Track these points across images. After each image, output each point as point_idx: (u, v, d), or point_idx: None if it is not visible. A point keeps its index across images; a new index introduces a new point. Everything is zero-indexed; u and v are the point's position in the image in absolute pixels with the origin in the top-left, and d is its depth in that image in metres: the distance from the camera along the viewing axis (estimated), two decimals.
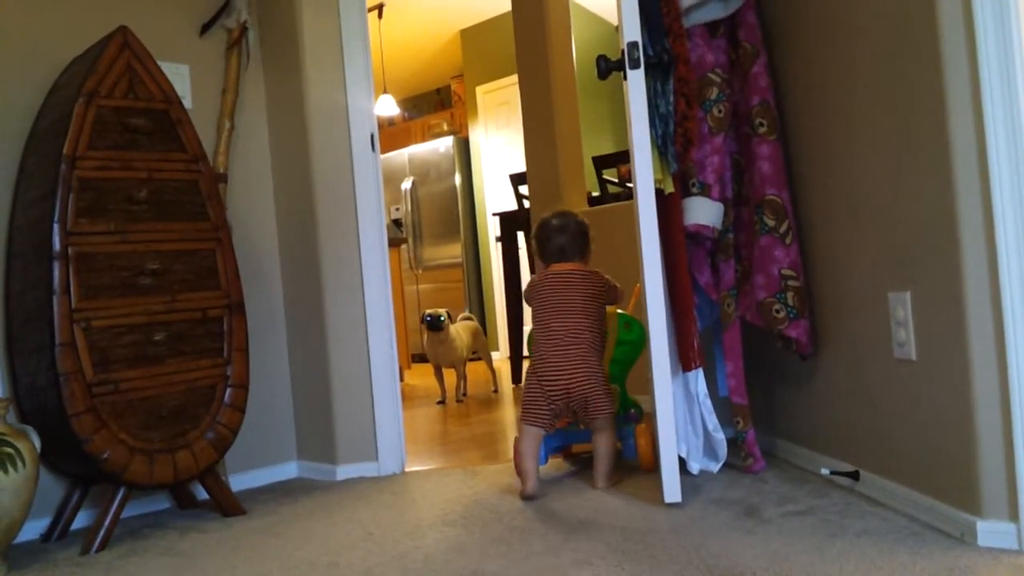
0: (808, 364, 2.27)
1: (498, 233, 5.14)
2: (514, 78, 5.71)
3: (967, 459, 1.61)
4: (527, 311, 5.37)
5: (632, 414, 2.63)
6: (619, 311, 2.65)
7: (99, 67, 2.17)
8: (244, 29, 2.79)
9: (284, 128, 2.84)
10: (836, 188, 2.06)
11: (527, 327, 5.52)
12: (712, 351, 2.58)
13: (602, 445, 2.34)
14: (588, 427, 2.42)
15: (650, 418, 2.14)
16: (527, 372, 2.41)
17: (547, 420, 2.34)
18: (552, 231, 2.46)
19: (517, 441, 2.36)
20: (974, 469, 1.60)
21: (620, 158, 4.47)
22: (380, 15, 6.41)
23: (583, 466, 2.58)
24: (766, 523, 1.85)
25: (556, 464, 2.65)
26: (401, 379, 4.48)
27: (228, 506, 2.34)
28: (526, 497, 2.25)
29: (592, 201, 4.32)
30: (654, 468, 2.40)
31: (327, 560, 1.86)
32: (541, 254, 2.49)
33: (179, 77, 2.64)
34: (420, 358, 7.30)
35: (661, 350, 2.03)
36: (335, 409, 2.74)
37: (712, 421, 2.32)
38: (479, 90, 7.07)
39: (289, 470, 2.86)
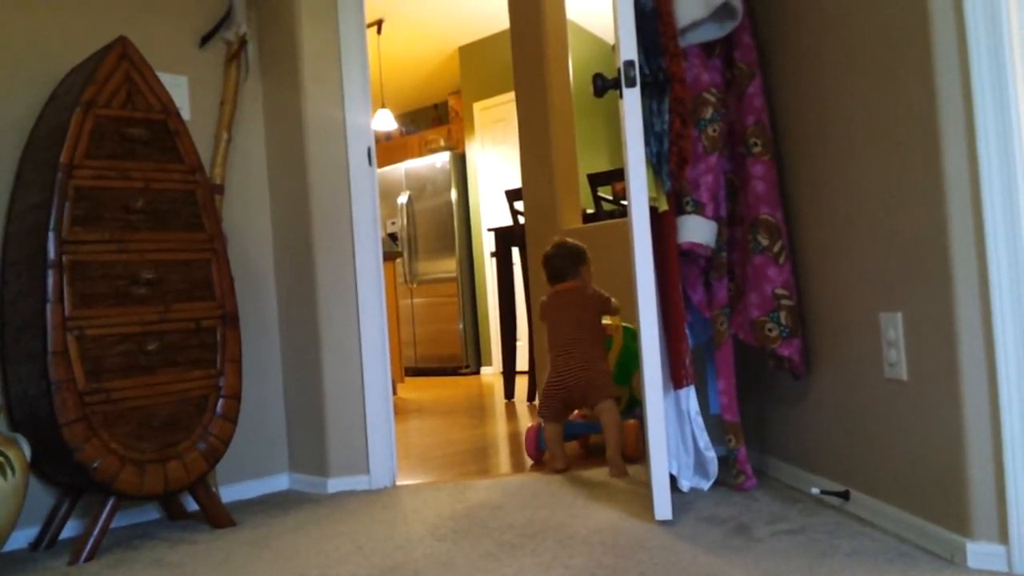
0: (799, 383, 2.28)
1: (493, 248, 5.15)
2: (511, 95, 5.74)
3: (957, 480, 1.62)
4: (520, 327, 5.38)
5: (639, 412, 2.91)
6: (626, 325, 3.05)
7: (98, 77, 2.18)
8: (243, 42, 2.80)
9: (281, 141, 2.86)
10: (829, 208, 2.08)
11: (520, 342, 5.53)
12: (704, 369, 2.59)
13: (605, 423, 2.73)
14: (596, 414, 2.80)
15: None
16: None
17: (555, 412, 2.83)
18: (549, 257, 3.00)
19: (529, 431, 2.99)
20: (964, 490, 1.60)
21: (615, 176, 4.50)
22: (379, 30, 6.44)
23: (579, 471, 2.59)
24: (756, 542, 1.85)
25: (551, 479, 2.65)
26: (394, 393, 4.48)
27: (218, 517, 2.33)
28: (557, 472, 2.75)
29: (587, 218, 4.34)
30: (634, 456, 2.83)
31: (316, 573, 1.86)
32: (547, 278, 3.01)
33: (178, 88, 2.65)
34: (414, 372, 7.30)
35: (653, 367, 2.03)
36: (327, 422, 2.73)
37: (703, 438, 2.33)
38: (476, 106, 7.11)
39: (280, 482, 2.85)
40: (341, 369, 2.74)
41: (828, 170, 2.07)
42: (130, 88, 2.26)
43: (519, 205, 4.84)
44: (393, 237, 7.40)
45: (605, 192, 4.73)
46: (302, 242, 2.78)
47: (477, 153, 7.08)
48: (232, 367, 2.37)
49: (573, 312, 2.86)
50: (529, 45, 4.17)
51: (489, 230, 5.43)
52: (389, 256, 5.29)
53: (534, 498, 2.41)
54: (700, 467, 2.35)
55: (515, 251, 4.96)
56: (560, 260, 2.96)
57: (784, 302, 2.20)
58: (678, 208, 2.29)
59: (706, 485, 2.34)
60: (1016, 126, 1.53)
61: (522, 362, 5.83)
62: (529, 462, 3.00)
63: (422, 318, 7.29)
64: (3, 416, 2.23)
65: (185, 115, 2.66)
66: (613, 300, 2.93)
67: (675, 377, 2.31)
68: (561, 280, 2.95)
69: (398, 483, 2.77)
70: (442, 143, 7.73)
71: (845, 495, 2.02)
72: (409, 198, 7.37)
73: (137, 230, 2.23)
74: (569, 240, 3.04)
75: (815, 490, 2.11)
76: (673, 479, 2.28)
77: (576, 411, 3.02)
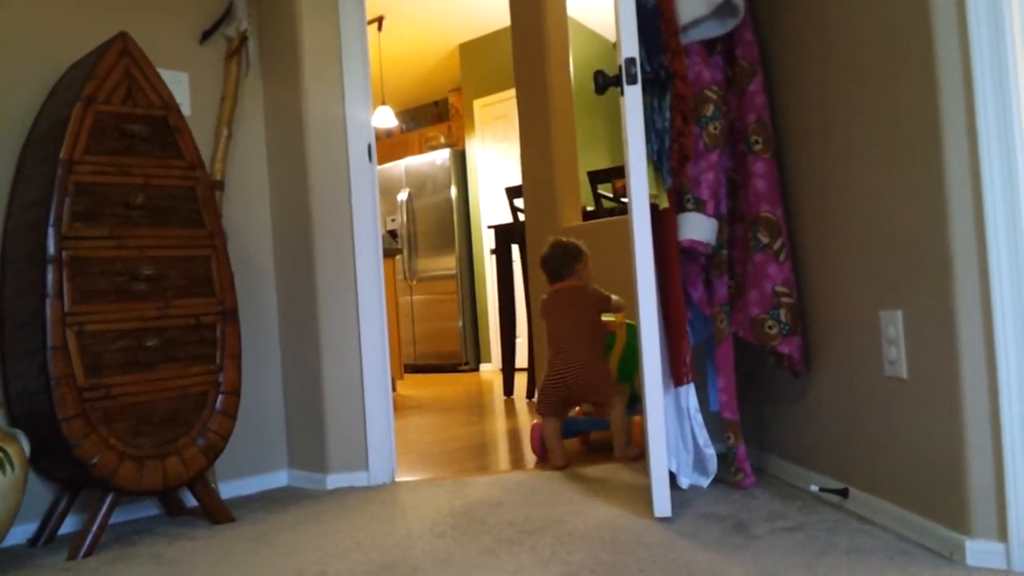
0: (799, 381, 2.28)
1: (493, 246, 5.15)
2: (511, 92, 5.73)
3: (956, 478, 1.62)
4: (520, 324, 5.37)
5: (639, 409, 2.89)
6: (629, 322, 3.04)
7: (98, 72, 2.18)
8: (244, 38, 2.80)
9: (282, 137, 2.85)
10: (830, 206, 2.08)
11: (519, 339, 5.53)
12: (704, 366, 2.59)
13: (615, 420, 2.81)
14: (602, 412, 2.89)
15: None
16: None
17: (554, 408, 2.84)
18: (546, 259, 3.02)
19: (534, 428, 2.97)
20: (963, 488, 1.60)
21: (615, 173, 4.50)
22: (380, 27, 6.44)
23: (578, 468, 2.59)
24: (755, 539, 1.85)
25: (551, 475, 2.65)
26: (393, 389, 4.48)
27: (217, 513, 2.34)
28: (557, 468, 2.76)
29: (587, 216, 4.34)
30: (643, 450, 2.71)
31: (315, 569, 1.86)
32: (547, 279, 3.04)
33: (178, 84, 2.65)
34: (413, 368, 7.30)
35: (653, 364, 2.03)
36: (327, 418, 2.73)
37: (703, 436, 2.33)
38: (477, 103, 7.11)
39: (279, 478, 2.85)
40: (340, 365, 2.74)
41: (829, 168, 2.07)
42: (130, 84, 2.25)
43: (519, 202, 4.85)
44: (393, 234, 7.40)
45: (605, 189, 4.73)
46: (302, 238, 2.78)
47: (477, 150, 7.08)
48: (232, 363, 2.36)
49: (572, 311, 2.88)
50: (530, 42, 4.16)
51: (489, 227, 5.43)
52: (389, 253, 5.29)
53: (533, 495, 2.41)
54: (699, 464, 2.36)
55: (515, 248, 4.96)
56: (556, 260, 2.98)
57: (784, 300, 2.20)
58: (679, 206, 2.29)
59: (705, 482, 2.34)
60: (1017, 125, 1.53)
61: (521, 359, 5.83)
62: (530, 458, 3.00)
63: (422, 315, 7.29)
64: (2, 412, 2.23)
65: (185, 111, 2.65)
66: (614, 298, 2.94)
67: (675, 374, 2.31)
68: (559, 280, 2.98)
69: (397, 479, 2.77)
70: (442, 140, 7.72)
71: (844, 493, 2.02)
72: (409, 195, 7.37)
73: (137, 226, 2.23)
74: (564, 239, 3.05)
75: (814, 488, 2.11)
76: (672, 476, 2.28)
77: (578, 408, 3.03)
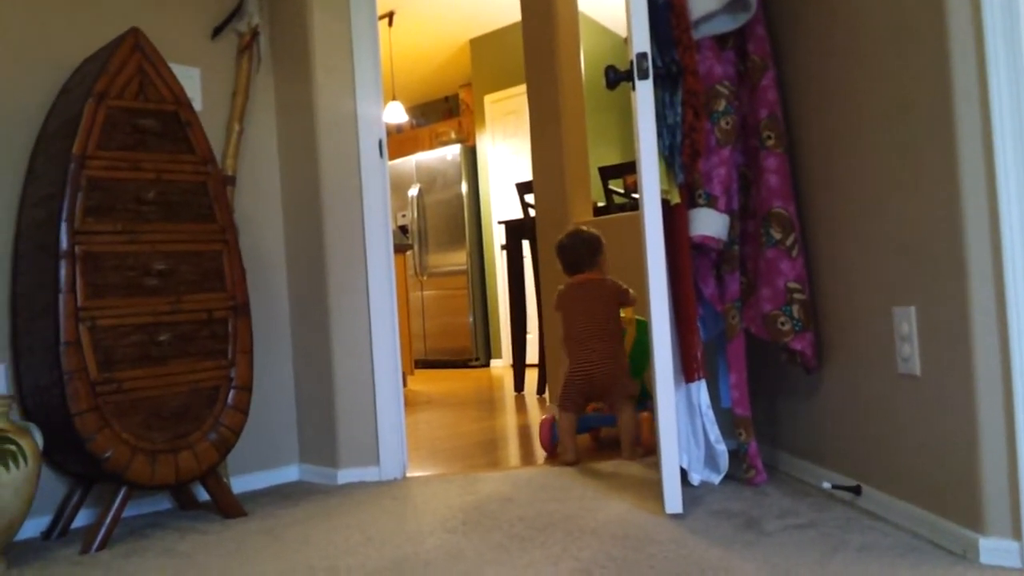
0: (811, 377, 2.27)
1: (503, 241, 5.15)
2: (522, 87, 5.73)
3: (970, 475, 1.61)
4: (531, 319, 5.37)
5: (651, 405, 2.89)
6: (639, 317, 3.04)
7: (110, 68, 2.19)
8: (255, 33, 2.80)
9: (293, 132, 2.86)
10: (842, 201, 2.07)
11: (530, 335, 5.53)
12: (715, 362, 2.58)
13: (623, 422, 2.79)
14: (612, 410, 2.86)
15: None
16: (567, 369, 2.88)
17: (575, 403, 2.84)
18: (563, 249, 2.96)
19: (543, 423, 2.95)
20: (977, 486, 1.59)
21: (626, 169, 4.49)
22: (390, 22, 6.44)
23: (589, 464, 2.59)
24: (767, 536, 1.84)
25: (561, 471, 2.65)
26: (404, 384, 4.48)
27: (229, 508, 2.34)
28: (568, 464, 2.74)
29: (598, 211, 4.33)
30: (649, 448, 2.84)
31: (326, 564, 1.86)
32: (563, 269, 2.99)
33: (190, 79, 2.66)
34: (424, 364, 7.31)
35: (664, 360, 2.03)
36: (338, 413, 2.74)
37: (714, 432, 2.32)
38: (487, 99, 7.10)
39: (290, 473, 2.86)
40: (351, 361, 2.75)
41: (841, 163, 2.06)
42: (142, 79, 2.26)
43: (530, 198, 4.84)
44: (404, 230, 7.41)
45: (616, 185, 4.72)
46: (313, 234, 2.78)
47: (488, 146, 7.07)
48: (243, 358, 2.37)
49: (592, 304, 2.85)
50: (541, 38, 4.15)
51: (500, 223, 5.43)
52: (400, 249, 5.30)
53: (544, 490, 2.41)
54: (711, 461, 2.35)
55: (525, 244, 4.95)
56: (576, 251, 2.93)
57: (797, 296, 2.19)
58: (690, 201, 2.28)
59: (716, 479, 2.33)
60: None
61: (532, 355, 5.83)
62: (540, 454, 3.00)
63: (432, 311, 7.29)
64: (15, 406, 2.24)
65: (197, 106, 2.66)
66: (631, 291, 2.91)
67: (687, 370, 2.31)
68: (578, 271, 2.93)
69: (408, 475, 2.78)
70: (453, 136, 7.73)
71: (856, 490, 2.01)
72: (420, 191, 7.38)
73: (149, 221, 2.24)
74: (584, 229, 3.00)
75: (826, 485, 2.10)
76: (684, 473, 2.28)
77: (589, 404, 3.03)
